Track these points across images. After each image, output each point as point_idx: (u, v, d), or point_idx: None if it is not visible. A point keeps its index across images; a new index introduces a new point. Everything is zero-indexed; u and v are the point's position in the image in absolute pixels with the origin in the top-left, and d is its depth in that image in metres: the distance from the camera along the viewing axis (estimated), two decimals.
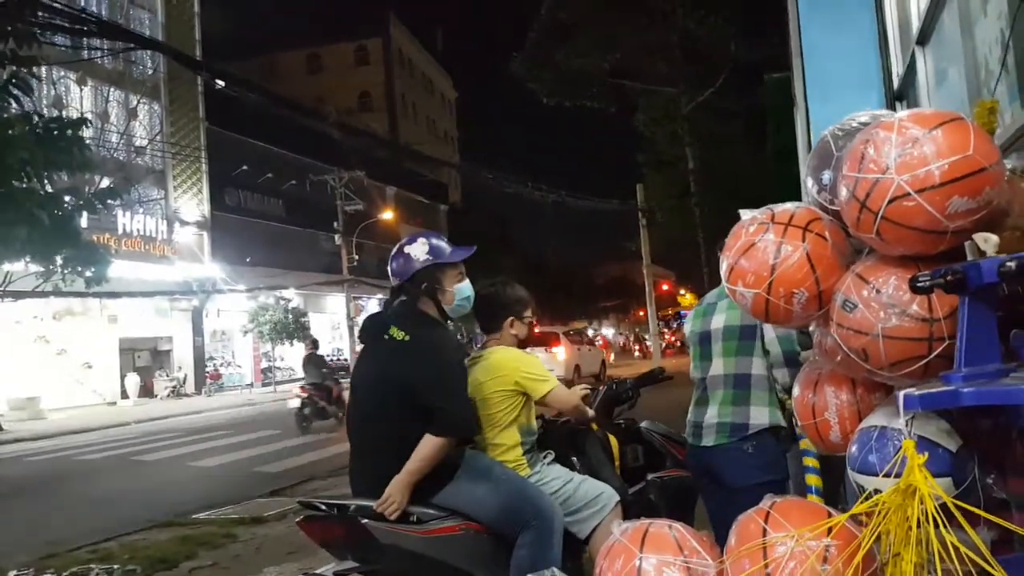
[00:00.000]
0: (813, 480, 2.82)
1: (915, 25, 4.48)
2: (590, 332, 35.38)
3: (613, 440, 3.22)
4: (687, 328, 3.17)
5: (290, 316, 28.87)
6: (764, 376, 2.85)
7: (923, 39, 3.85)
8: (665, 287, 46.19)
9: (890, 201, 1.37)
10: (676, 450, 3.29)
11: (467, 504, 2.69)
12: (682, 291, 59.50)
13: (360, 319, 34.83)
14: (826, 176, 1.69)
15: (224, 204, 29.39)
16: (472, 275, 3.01)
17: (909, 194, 1.35)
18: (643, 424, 3.46)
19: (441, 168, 41.96)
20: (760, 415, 2.83)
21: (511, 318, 3.13)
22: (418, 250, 2.88)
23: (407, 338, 2.76)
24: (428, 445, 2.61)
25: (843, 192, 1.48)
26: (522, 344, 3.16)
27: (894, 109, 4.71)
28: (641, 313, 54.31)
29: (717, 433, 2.87)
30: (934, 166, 1.33)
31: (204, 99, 27.94)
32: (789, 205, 1.69)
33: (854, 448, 1.68)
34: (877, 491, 1.59)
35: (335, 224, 32.01)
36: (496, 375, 2.99)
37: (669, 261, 41.50)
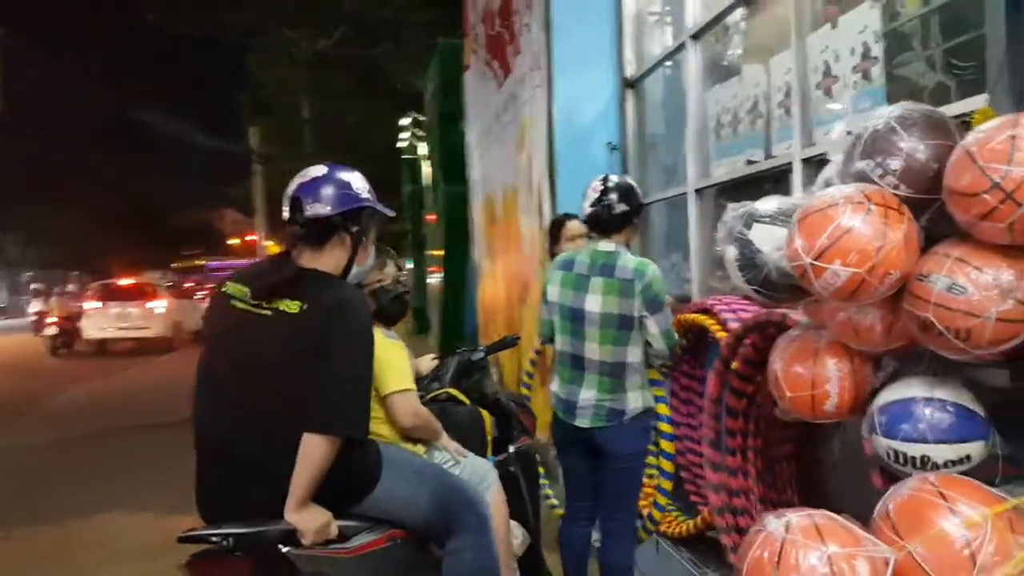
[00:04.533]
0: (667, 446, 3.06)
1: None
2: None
3: (486, 415, 2.98)
4: (552, 292, 3.02)
5: None
6: (639, 362, 2.92)
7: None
8: (250, 237, 43.86)
9: None
10: (525, 418, 3.20)
11: (395, 508, 2.21)
12: (270, 241, 57.10)
13: None
14: (893, 163, 1.76)
15: None
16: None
17: None
18: (500, 395, 3.27)
19: None
20: (636, 400, 2.92)
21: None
22: (359, 183, 2.28)
23: (303, 308, 2.09)
24: (310, 445, 1.98)
25: (967, 179, 1.56)
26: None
27: (624, 95, 5.19)
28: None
29: (594, 416, 2.91)
30: None
31: None
32: (869, 187, 1.73)
33: (885, 418, 1.81)
34: (926, 456, 1.77)
35: None
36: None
37: (270, 209, 39.65)
